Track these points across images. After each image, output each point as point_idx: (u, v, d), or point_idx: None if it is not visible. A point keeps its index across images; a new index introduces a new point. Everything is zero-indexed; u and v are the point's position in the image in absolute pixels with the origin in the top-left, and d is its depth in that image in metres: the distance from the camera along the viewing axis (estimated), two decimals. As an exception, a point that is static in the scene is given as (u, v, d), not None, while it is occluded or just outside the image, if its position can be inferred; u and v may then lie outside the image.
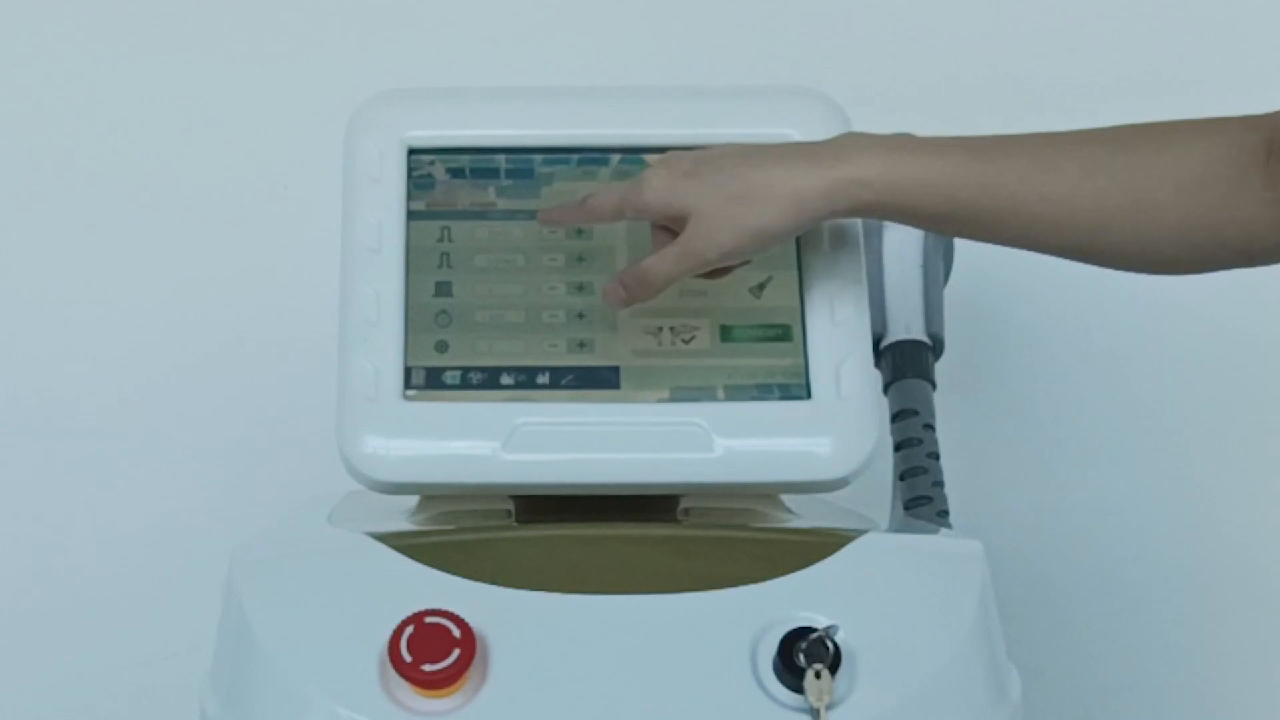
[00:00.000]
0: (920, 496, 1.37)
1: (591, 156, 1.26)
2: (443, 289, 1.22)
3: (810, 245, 1.23)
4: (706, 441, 1.16)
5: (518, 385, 1.19)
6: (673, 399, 1.18)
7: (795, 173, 1.13)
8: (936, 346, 1.42)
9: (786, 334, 1.21)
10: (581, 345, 1.20)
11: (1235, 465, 1.90)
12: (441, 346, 1.20)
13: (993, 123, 1.85)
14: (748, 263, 1.20)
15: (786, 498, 1.31)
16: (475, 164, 1.26)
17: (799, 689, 1.04)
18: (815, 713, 1.03)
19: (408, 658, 1.02)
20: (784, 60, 1.85)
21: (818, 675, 1.03)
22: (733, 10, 1.88)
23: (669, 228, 1.17)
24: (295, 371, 1.79)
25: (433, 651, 1.03)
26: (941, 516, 1.37)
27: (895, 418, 1.40)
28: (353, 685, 1.04)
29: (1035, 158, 1.13)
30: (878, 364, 1.37)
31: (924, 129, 1.42)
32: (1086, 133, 1.14)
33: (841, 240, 1.23)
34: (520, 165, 1.26)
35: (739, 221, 1.14)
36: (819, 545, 1.11)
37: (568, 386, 1.19)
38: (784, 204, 1.13)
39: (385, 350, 1.18)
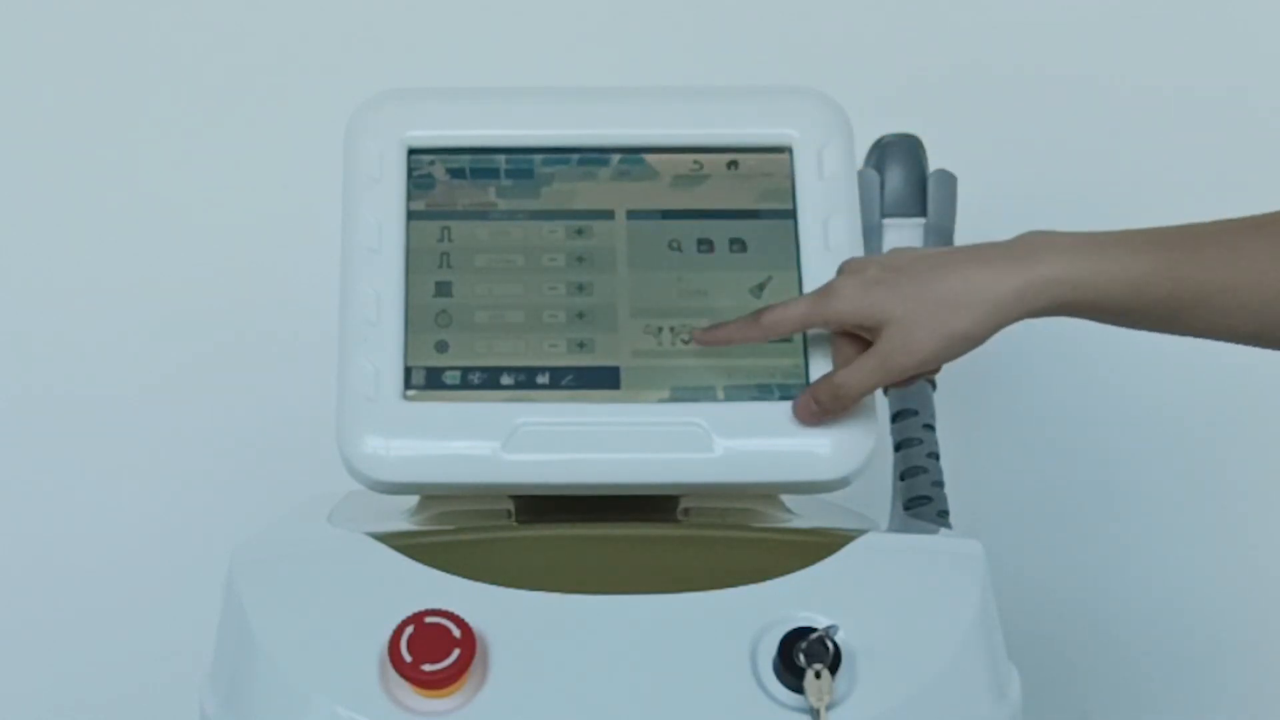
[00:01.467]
0: (920, 496, 1.37)
1: (591, 156, 1.26)
2: (443, 289, 1.22)
3: (810, 245, 1.23)
4: (706, 441, 1.16)
5: (518, 385, 1.19)
6: (673, 399, 1.18)
7: (990, 275, 1.13)
8: (937, 347, 1.41)
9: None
10: (581, 345, 1.20)
11: (1236, 463, 1.90)
12: (441, 346, 1.20)
13: (991, 122, 1.86)
14: (937, 370, 1.20)
15: (786, 498, 1.31)
16: (475, 164, 1.26)
17: (799, 689, 1.04)
18: (815, 713, 1.03)
19: (408, 658, 1.02)
20: (784, 60, 1.85)
21: (818, 675, 1.03)
22: (733, 10, 1.88)
23: (856, 335, 1.17)
24: (295, 371, 1.79)
25: (433, 651, 1.03)
26: (941, 516, 1.37)
27: (895, 418, 1.40)
28: (353, 685, 1.04)
29: (1223, 246, 1.13)
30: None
31: (924, 129, 1.42)
32: (1269, 217, 1.14)
33: (841, 240, 1.23)
34: (520, 165, 1.26)
35: (938, 328, 1.13)
36: (819, 545, 1.11)
37: (568, 386, 1.19)
38: (984, 308, 1.13)
39: (385, 350, 1.18)
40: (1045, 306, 1.13)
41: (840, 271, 1.18)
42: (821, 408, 1.16)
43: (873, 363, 1.15)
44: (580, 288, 1.22)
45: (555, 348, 1.20)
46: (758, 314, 1.18)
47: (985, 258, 1.14)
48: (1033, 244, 1.14)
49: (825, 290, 1.16)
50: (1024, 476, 1.88)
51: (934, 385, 1.41)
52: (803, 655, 1.04)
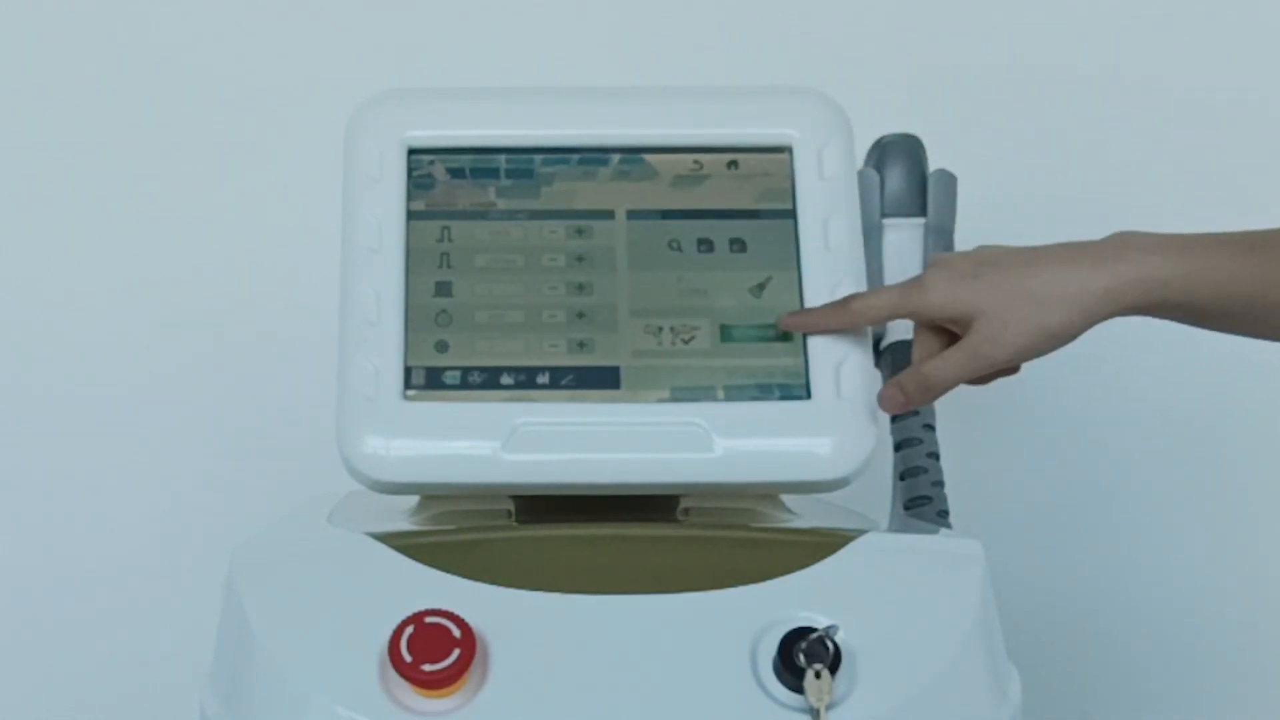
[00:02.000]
0: (920, 496, 1.36)
1: (591, 156, 1.26)
2: (443, 289, 1.22)
3: (810, 245, 1.23)
4: (706, 441, 1.16)
5: (518, 385, 1.19)
6: (673, 399, 1.18)
7: (1080, 273, 1.14)
8: (937, 347, 1.41)
9: (786, 334, 1.21)
10: (581, 345, 1.20)
11: (1237, 463, 1.90)
12: (441, 346, 1.20)
13: (991, 122, 1.86)
14: (1017, 369, 1.20)
15: (786, 498, 1.31)
16: (475, 164, 1.26)
17: (799, 689, 1.04)
18: (815, 713, 1.03)
19: (408, 658, 1.02)
20: (784, 60, 1.85)
21: (818, 675, 1.03)
22: (733, 10, 1.88)
23: (940, 328, 1.18)
24: (295, 371, 1.79)
25: (433, 651, 1.03)
26: (941, 516, 1.37)
27: (895, 418, 1.40)
28: (353, 685, 1.04)
29: None
30: (878, 364, 1.37)
31: (924, 129, 1.42)
32: None
33: (841, 240, 1.23)
34: (520, 165, 1.26)
35: (1029, 323, 1.15)
36: (819, 545, 1.11)
37: (568, 386, 1.19)
38: (1072, 305, 1.14)
39: (385, 350, 1.18)
40: (1133, 305, 1.15)
41: (929, 265, 1.19)
42: (907, 398, 1.18)
43: (962, 355, 1.16)
44: (580, 288, 1.22)
45: (555, 348, 1.20)
46: (845, 301, 1.19)
47: (1077, 256, 1.15)
48: (1122, 244, 1.15)
49: (915, 282, 1.18)
50: (1024, 476, 1.88)
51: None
52: (803, 655, 1.04)
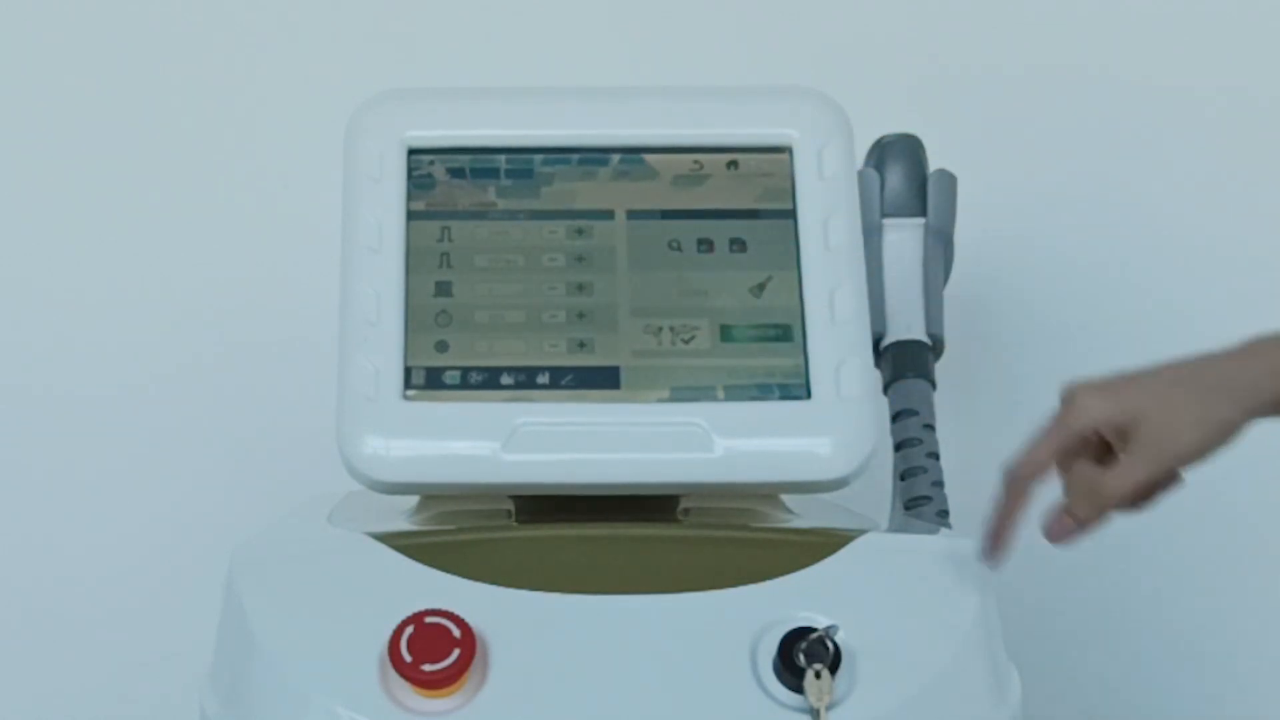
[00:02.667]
0: (920, 496, 1.36)
1: (591, 156, 1.26)
2: (443, 289, 1.22)
3: (810, 245, 1.23)
4: (706, 441, 1.16)
5: (518, 385, 1.19)
6: (673, 399, 1.18)
7: (1228, 367, 1.11)
8: (937, 346, 1.42)
9: (786, 334, 1.21)
10: (581, 345, 1.20)
11: (1237, 462, 1.89)
12: (441, 346, 1.20)
13: (991, 122, 1.86)
14: (1181, 478, 1.15)
15: (786, 498, 1.31)
16: (475, 164, 1.26)
17: (799, 689, 1.04)
18: (815, 713, 1.03)
19: (408, 658, 1.02)
20: (784, 60, 1.85)
21: (818, 675, 1.03)
22: (733, 10, 1.88)
23: (1092, 450, 1.13)
24: (295, 371, 1.78)
25: (433, 651, 1.03)
26: (941, 516, 1.36)
27: (895, 418, 1.40)
28: (353, 685, 1.04)
29: None
30: (878, 364, 1.37)
31: (924, 129, 1.42)
32: None
33: (841, 240, 1.23)
34: (520, 165, 1.26)
35: (1201, 415, 1.10)
36: (819, 545, 1.11)
37: (568, 386, 1.19)
38: (1231, 393, 1.10)
39: (385, 350, 1.18)
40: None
41: (1065, 392, 1.14)
42: (1080, 523, 1.12)
43: (1141, 456, 1.10)
44: (580, 288, 1.22)
45: (555, 348, 1.20)
46: (1008, 477, 1.15)
47: (1218, 356, 1.12)
48: (1262, 341, 1.12)
49: (1065, 408, 1.13)
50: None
51: (934, 385, 1.41)
52: (803, 655, 1.04)
